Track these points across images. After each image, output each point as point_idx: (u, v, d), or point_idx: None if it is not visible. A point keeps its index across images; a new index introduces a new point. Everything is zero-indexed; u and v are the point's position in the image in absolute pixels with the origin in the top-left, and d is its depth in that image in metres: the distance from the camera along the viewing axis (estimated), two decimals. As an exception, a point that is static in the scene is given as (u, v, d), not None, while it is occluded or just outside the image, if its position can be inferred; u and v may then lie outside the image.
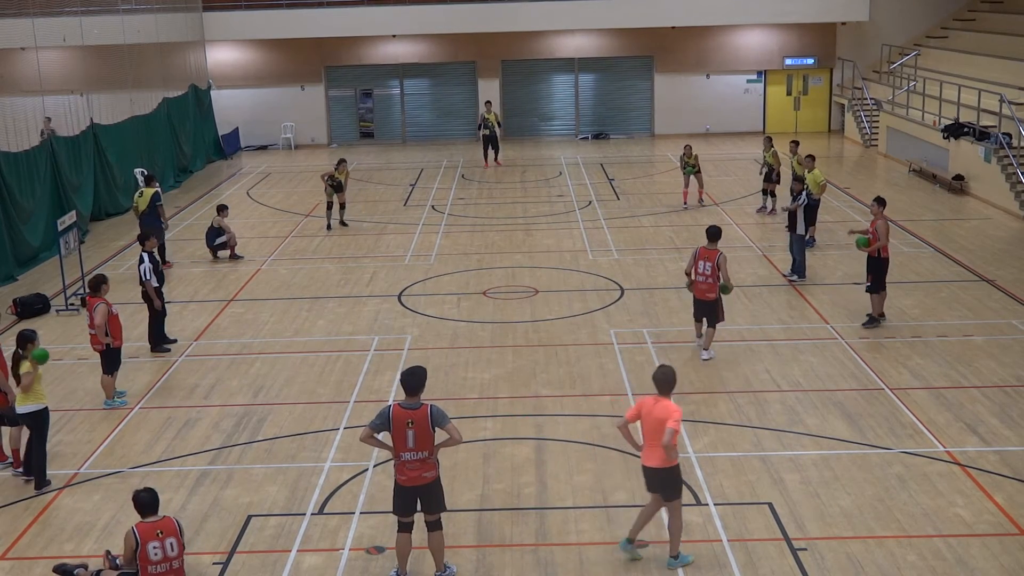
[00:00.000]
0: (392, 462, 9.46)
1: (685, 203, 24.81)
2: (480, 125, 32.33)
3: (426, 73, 37.78)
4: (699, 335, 15.11)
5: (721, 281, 14.57)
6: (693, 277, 14.77)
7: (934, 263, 19.61)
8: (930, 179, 27.38)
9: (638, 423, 9.71)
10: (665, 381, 9.51)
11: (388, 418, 9.13)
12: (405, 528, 9.41)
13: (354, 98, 38.01)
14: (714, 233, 14.84)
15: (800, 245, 18.54)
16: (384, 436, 9.33)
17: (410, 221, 24.60)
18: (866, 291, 16.19)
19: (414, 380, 9.20)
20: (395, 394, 13.91)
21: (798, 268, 18.51)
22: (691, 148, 24.79)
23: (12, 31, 24.28)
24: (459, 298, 18.22)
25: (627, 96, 37.87)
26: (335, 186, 23.61)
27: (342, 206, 24.11)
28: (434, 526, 9.43)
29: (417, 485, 9.24)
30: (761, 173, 24.54)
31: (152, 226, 20.71)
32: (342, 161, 24.28)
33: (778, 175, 23.85)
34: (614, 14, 34.82)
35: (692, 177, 24.81)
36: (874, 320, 16.00)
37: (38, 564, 10.05)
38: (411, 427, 9.07)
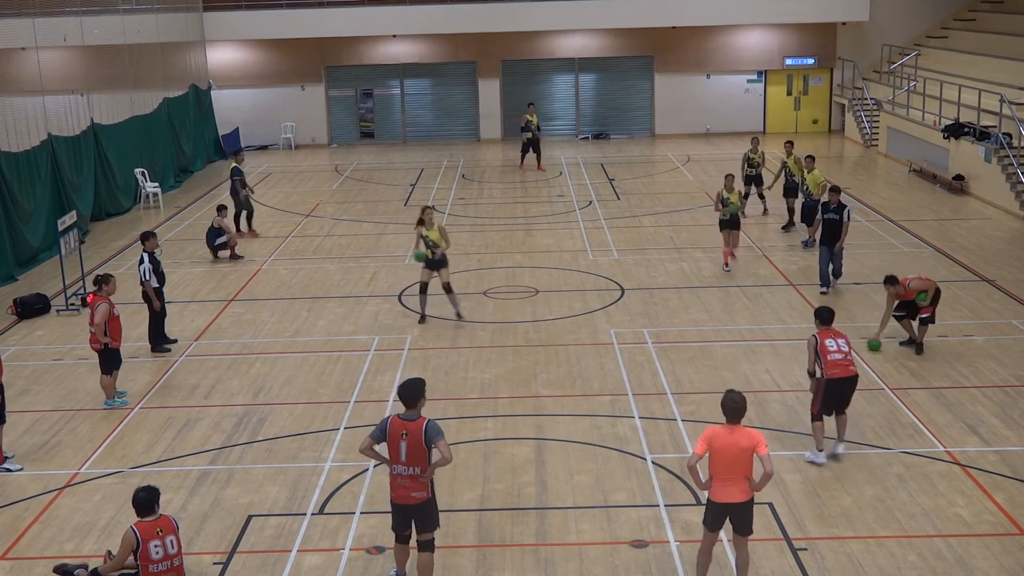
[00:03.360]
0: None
1: (726, 264, 19.30)
2: (523, 127, 30.98)
3: (426, 73, 37.78)
4: (821, 439, 11.67)
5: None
6: (822, 370, 11.48)
7: (934, 263, 19.60)
8: (930, 179, 27.38)
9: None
10: (737, 409, 8.91)
11: (385, 428, 8.95)
12: (402, 540, 9.28)
13: (354, 98, 38.01)
14: (828, 316, 11.79)
15: (821, 255, 17.70)
16: (383, 448, 9.13)
17: (410, 221, 24.55)
18: (924, 323, 14.87)
19: (409, 392, 8.96)
20: (395, 395, 13.89)
21: (836, 273, 17.83)
22: (732, 179, 19.58)
23: (12, 31, 24.25)
24: (459, 298, 18.20)
25: (627, 96, 37.88)
26: (434, 261, 16.60)
27: (448, 289, 16.79)
28: (425, 546, 9.16)
29: (407, 504, 9.02)
30: (746, 172, 23.54)
31: (233, 197, 23.30)
32: (427, 209, 16.81)
33: (760, 176, 23.55)
34: (614, 14, 34.83)
35: (731, 231, 19.27)
36: (921, 345, 15.00)
37: (38, 564, 10.05)
38: (405, 439, 8.85)
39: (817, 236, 18.11)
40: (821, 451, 11.57)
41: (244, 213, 23.56)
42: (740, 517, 8.98)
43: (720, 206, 19.08)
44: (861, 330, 15.94)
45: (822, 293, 17.68)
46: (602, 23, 35.45)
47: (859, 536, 10.13)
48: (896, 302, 14.83)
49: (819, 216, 17.72)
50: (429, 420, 8.95)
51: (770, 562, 9.71)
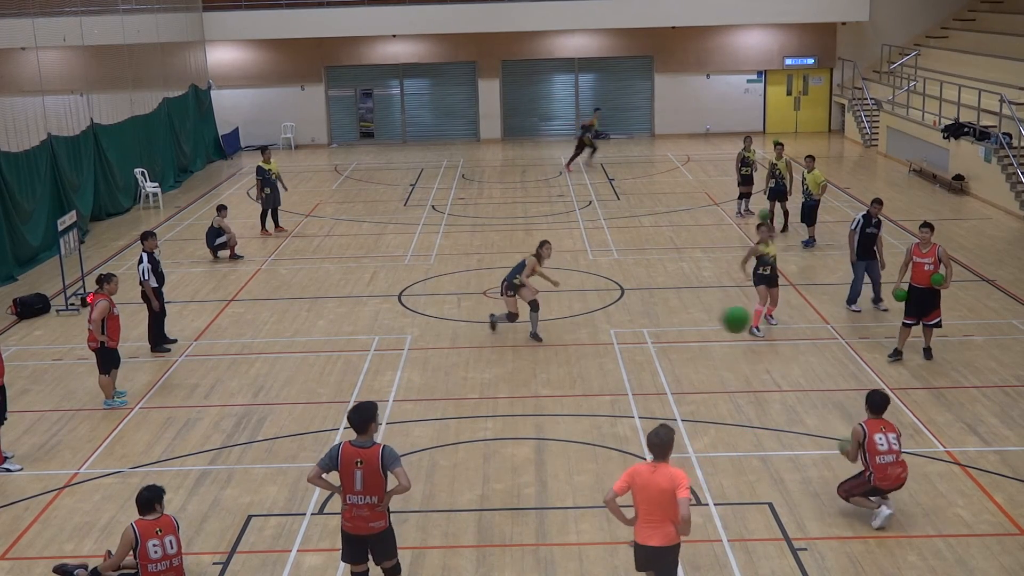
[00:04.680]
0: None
1: (756, 327, 15.84)
2: (586, 129, 30.91)
3: (426, 73, 37.79)
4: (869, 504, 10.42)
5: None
6: (869, 469, 10.21)
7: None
8: (930, 179, 27.38)
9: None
10: (663, 445, 8.17)
11: (336, 457, 8.47)
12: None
13: (354, 98, 38.02)
14: (880, 402, 10.34)
15: (859, 272, 16.74)
16: (333, 477, 8.69)
17: (410, 221, 24.60)
18: (928, 328, 14.48)
19: (359, 416, 8.49)
20: (395, 394, 13.92)
21: (852, 296, 16.89)
22: (768, 230, 16.16)
23: (12, 31, 24.25)
24: (459, 298, 18.22)
25: (627, 96, 37.88)
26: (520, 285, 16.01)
27: (534, 305, 15.94)
28: (392, 571, 8.87)
29: (364, 534, 8.59)
30: (743, 173, 23.42)
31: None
32: (545, 244, 16.21)
33: (752, 177, 23.46)
34: (614, 14, 34.85)
35: (770, 289, 15.96)
36: (929, 350, 14.64)
37: (38, 564, 10.05)
38: (359, 467, 8.39)
39: (854, 249, 16.56)
40: (879, 507, 10.25)
41: (269, 211, 23.64)
42: (658, 562, 8.26)
43: (750, 264, 16.15)
44: (860, 330, 15.95)
45: (855, 311, 16.76)
46: (602, 23, 35.47)
47: (859, 536, 10.13)
48: (910, 261, 14.42)
49: (855, 228, 16.48)
50: (385, 445, 8.52)
51: (770, 562, 9.71)
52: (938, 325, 14.54)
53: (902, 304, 14.72)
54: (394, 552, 8.85)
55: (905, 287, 14.59)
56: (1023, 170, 23.32)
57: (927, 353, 14.67)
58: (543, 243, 16.11)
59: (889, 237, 21.31)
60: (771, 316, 16.35)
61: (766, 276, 15.85)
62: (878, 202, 16.88)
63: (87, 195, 24.83)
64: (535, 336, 15.87)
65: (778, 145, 22.15)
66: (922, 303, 14.43)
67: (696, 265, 19.87)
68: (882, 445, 10.09)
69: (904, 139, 30.06)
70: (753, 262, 16.06)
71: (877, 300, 16.91)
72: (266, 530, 10.57)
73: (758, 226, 16.41)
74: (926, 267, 14.30)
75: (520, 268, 15.84)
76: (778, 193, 21.85)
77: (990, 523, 10.31)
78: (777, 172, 21.72)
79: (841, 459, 11.62)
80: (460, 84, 37.86)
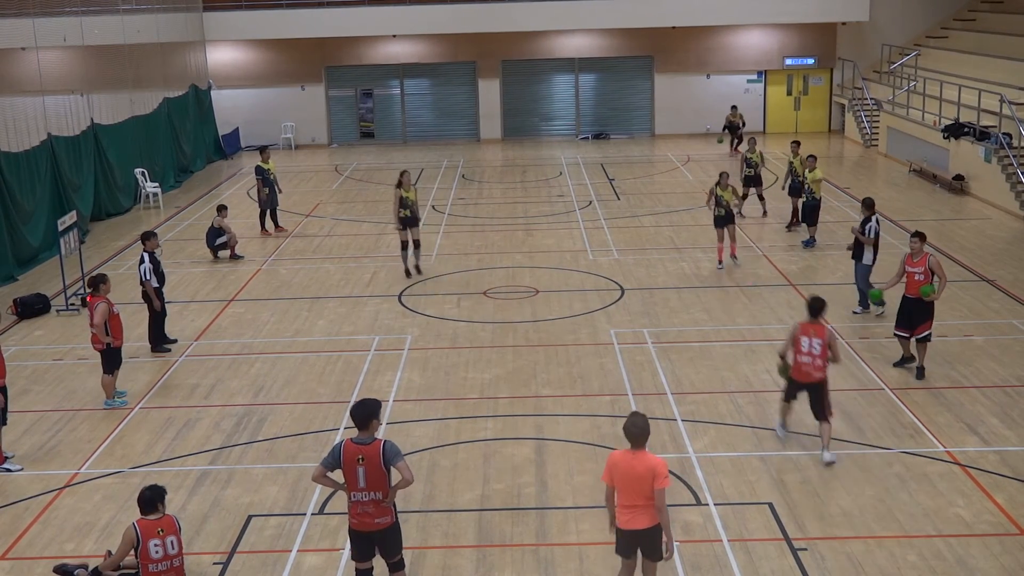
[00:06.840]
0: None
1: (720, 262, 19.40)
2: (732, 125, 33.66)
3: (426, 73, 37.80)
4: (783, 423, 12.19)
5: (831, 358, 11.61)
6: (794, 359, 11.69)
7: (934, 263, 19.57)
8: (930, 179, 27.39)
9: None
10: (639, 433, 8.30)
11: (339, 455, 8.48)
12: (364, 574, 8.86)
13: (354, 98, 38.04)
14: (818, 307, 11.71)
15: (865, 274, 16.52)
16: (338, 475, 8.65)
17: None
18: (920, 341, 14.05)
19: (361, 412, 8.49)
20: (395, 395, 13.92)
21: (863, 299, 16.64)
22: (727, 176, 19.34)
23: (12, 31, 24.25)
24: (459, 298, 18.23)
25: (627, 96, 37.90)
26: (409, 218, 19.09)
27: (416, 244, 19.55)
28: (396, 567, 8.87)
29: (370, 531, 8.61)
30: (745, 173, 23.46)
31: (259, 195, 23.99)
32: (404, 173, 19.34)
33: (759, 177, 23.54)
34: (614, 14, 34.85)
35: (725, 228, 19.24)
36: (922, 369, 14.11)
37: (38, 564, 10.05)
38: (361, 464, 8.40)
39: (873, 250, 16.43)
40: (781, 424, 12.20)
41: (268, 211, 23.69)
42: (645, 543, 8.47)
43: (712, 202, 19.14)
44: (860, 330, 15.95)
45: (856, 312, 16.71)
46: (602, 23, 35.47)
47: (859, 536, 10.13)
48: (904, 271, 14.09)
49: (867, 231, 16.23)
50: (386, 440, 8.53)
51: (770, 562, 9.71)
52: (927, 339, 14.02)
53: (900, 305, 14.58)
54: (399, 548, 8.88)
55: (880, 289, 14.93)
56: (1023, 170, 23.32)
57: (919, 372, 13.98)
58: (402, 172, 19.29)
59: (888, 237, 21.34)
60: (735, 256, 19.30)
61: (720, 217, 19.03)
62: (866, 204, 16.60)
63: (87, 195, 24.84)
64: (415, 268, 19.56)
65: (796, 144, 22.45)
66: (912, 314, 14.05)
67: (696, 265, 19.87)
68: (804, 346, 11.55)
69: (904, 139, 30.06)
70: (712, 203, 19.08)
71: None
72: (266, 530, 10.57)
73: (721, 173, 19.41)
74: (916, 277, 13.94)
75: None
76: (795, 190, 22.08)
77: (990, 523, 10.31)
78: (793, 170, 21.98)
79: (842, 459, 11.66)
80: (460, 84, 37.87)
